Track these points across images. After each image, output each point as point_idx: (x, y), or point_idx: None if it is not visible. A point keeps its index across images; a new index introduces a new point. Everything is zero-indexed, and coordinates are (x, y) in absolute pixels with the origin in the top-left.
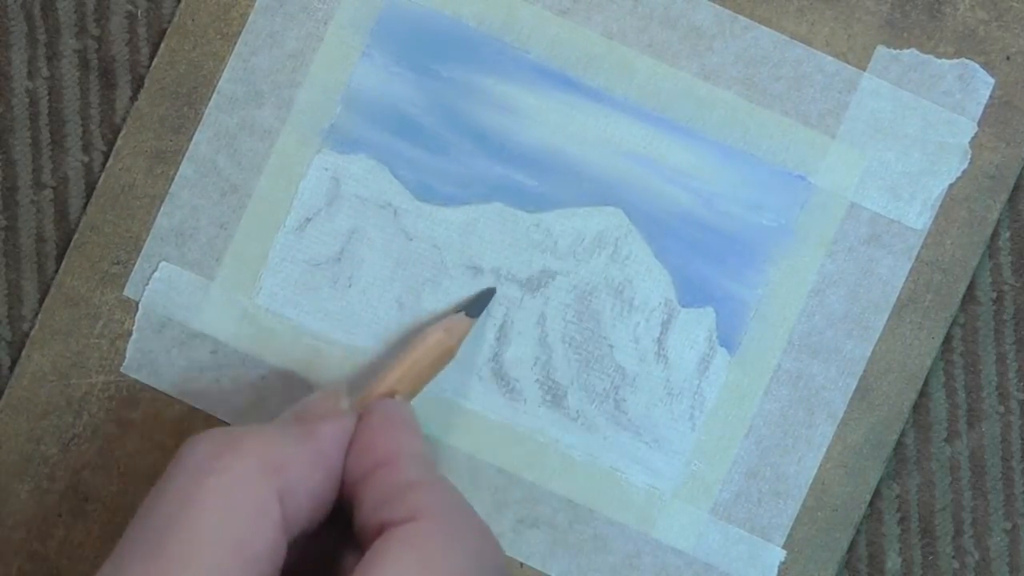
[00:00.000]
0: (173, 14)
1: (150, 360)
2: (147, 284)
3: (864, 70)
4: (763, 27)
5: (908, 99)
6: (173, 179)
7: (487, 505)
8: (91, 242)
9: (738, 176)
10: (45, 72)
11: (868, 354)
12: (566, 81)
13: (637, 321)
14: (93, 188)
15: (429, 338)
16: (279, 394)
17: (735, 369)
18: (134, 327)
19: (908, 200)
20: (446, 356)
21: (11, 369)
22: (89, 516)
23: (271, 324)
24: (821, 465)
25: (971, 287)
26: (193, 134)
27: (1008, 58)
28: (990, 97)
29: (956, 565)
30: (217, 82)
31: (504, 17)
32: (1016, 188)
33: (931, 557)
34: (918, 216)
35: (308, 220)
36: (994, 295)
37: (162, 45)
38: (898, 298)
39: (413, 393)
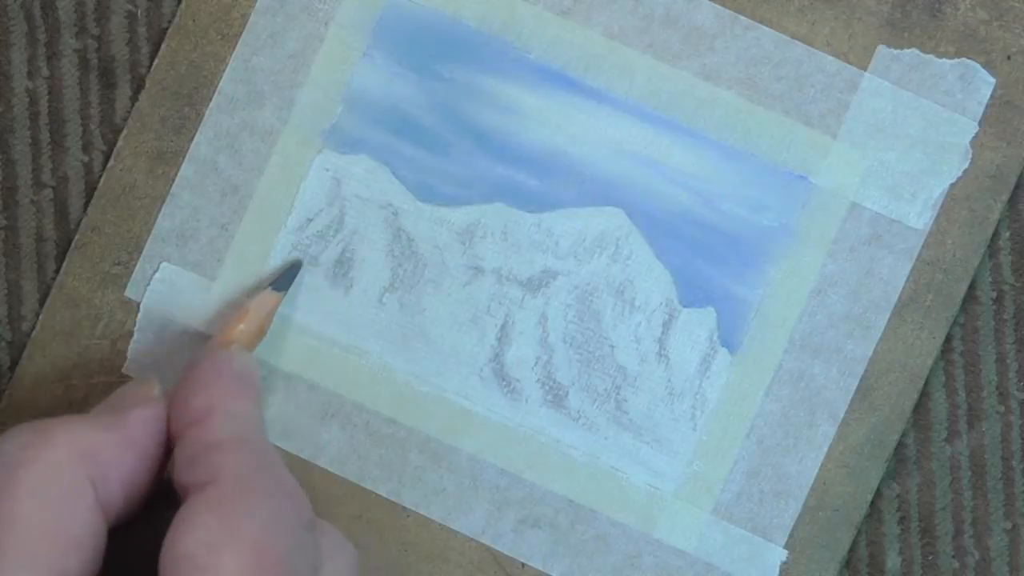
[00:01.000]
0: (173, 14)
1: (152, 361)
2: (148, 285)
3: (865, 70)
4: (764, 27)
5: (909, 99)
6: (174, 180)
7: (488, 505)
8: (92, 243)
9: (739, 176)
10: (45, 72)
11: (869, 354)
12: (567, 81)
13: (638, 321)
14: (93, 188)
15: (237, 317)
16: (280, 394)
17: (736, 369)
18: (135, 328)
19: (909, 200)
20: (257, 334)
21: (11, 369)
22: None
23: (272, 324)
24: (822, 465)
25: (971, 287)
26: (194, 135)
27: (1009, 58)
28: (991, 97)
29: (956, 565)
30: (218, 83)
31: (505, 17)
32: (1017, 188)
33: (931, 557)
34: (919, 216)
35: (309, 221)
36: (994, 295)
37: (163, 46)
38: (899, 298)
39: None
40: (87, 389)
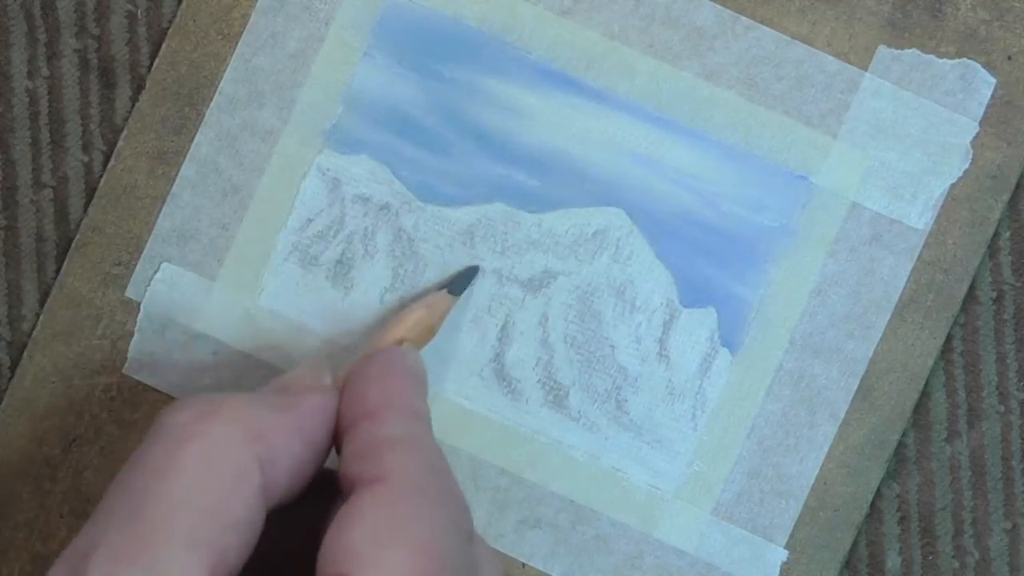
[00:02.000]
0: (173, 14)
1: (152, 361)
2: (149, 285)
3: (866, 70)
4: (764, 27)
5: (909, 99)
6: (175, 180)
7: (489, 506)
8: (92, 243)
9: (740, 176)
10: (45, 72)
11: (870, 354)
12: (568, 81)
13: (639, 321)
14: (93, 188)
15: (410, 316)
16: None
17: (737, 369)
18: (136, 328)
19: (910, 200)
20: (427, 335)
21: (11, 369)
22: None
23: (273, 325)
24: (823, 465)
25: (971, 287)
26: (195, 135)
27: (1009, 58)
28: (991, 97)
29: (956, 565)
30: (218, 83)
31: (506, 17)
32: (1017, 187)
33: (931, 557)
34: (920, 216)
35: (310, 221)
36: (994, 295)
37: (163, 46)
38: (900, 298)
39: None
40: (88, 389)
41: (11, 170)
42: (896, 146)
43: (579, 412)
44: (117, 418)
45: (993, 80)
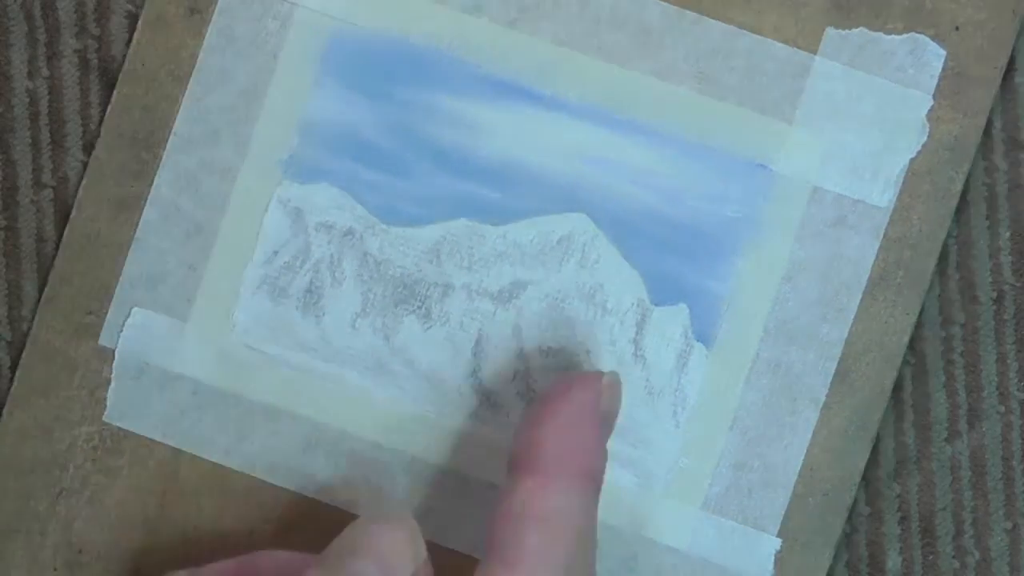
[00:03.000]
0: (123, 57)
1: (131, 407)
2: (121, 331)
3: (815, 53)
4: (711, 20)
5: (861, 78)
6: (138, 225)
7: (479, 520)
8: (62, 295)
9: (699, 170)
10: (45, 72)
11: (845, 336)
12: (520, 91)
13: (611, 324)
14: None
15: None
16: (263, 428)
17: (714, 363)
18: (112, 375)
19: (871, 179)
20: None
21: (11, 369)
22: (85, 567)
23: (249, 359)
24: (808, 451)
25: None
26: (154, 178)
27: (957, 28)
28: (943, 69)
29: (957, 565)
30: (173, 124)
31: (453, 33)
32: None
33: (931, 557)
34: (882, 194)
35: (275, 253)
36: (994, 295)
37: (114, 92)
38: (869, 277)
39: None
40: (70, 440)
41: (11, 170)
42: (852, 126)
43: None
44: (102, 466)
45: (943, 52)
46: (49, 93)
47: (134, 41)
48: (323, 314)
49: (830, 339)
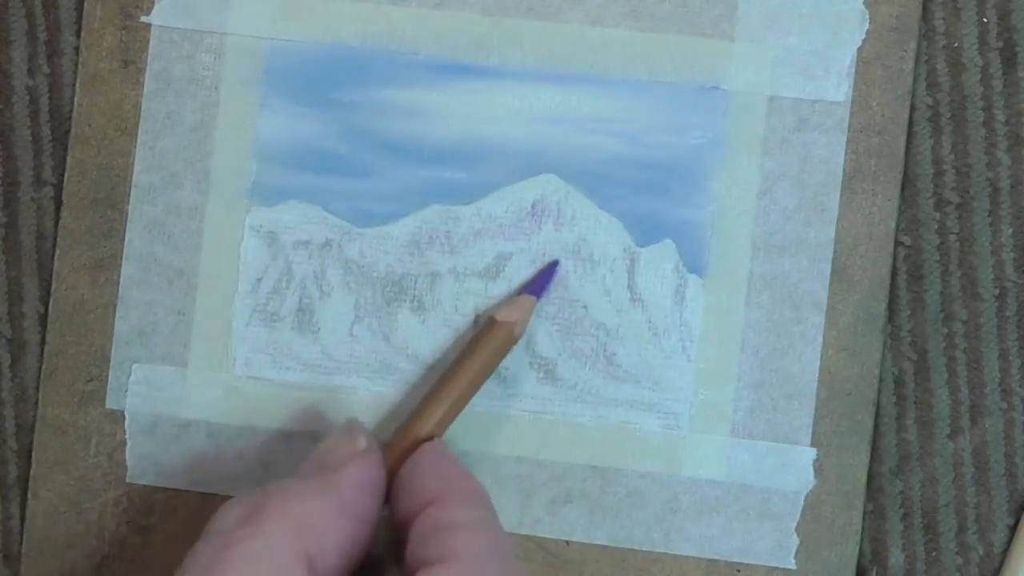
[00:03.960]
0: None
1: (151, 462)
2: (126, 391)
3: None
4: None
5: None
6: (119, 283)
7: (516, 496)
8: (60, 368)
9: (654, 107)
10: (46, 69)
11: (833, 235)
12: (462, 69)
13: (602, 274)
14: None
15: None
16: (284, 454)
17: (710, 290)
18: (126, 436)
19: (823, 77)
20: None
21: (11, 367)
22: None
23: (256, 390)
24: (822, 356)
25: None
26: (124, 234)
27: None
28: None
29: (960, 561)
30: (131, 177)
31: (383, 27)
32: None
33: (935, 553)
34: (837, 88)
35: (259, 280)
36: (996, 292)
37: (68, 158)
38: (844, 172)
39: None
40: (99, 508)
41: (11, 167)
42: (794, 29)
43: (573, 380)
44: (136, 527)
45: None
46: (49, 91)
47: (76, 104)
48: (319, 329)
49: (819, 241)
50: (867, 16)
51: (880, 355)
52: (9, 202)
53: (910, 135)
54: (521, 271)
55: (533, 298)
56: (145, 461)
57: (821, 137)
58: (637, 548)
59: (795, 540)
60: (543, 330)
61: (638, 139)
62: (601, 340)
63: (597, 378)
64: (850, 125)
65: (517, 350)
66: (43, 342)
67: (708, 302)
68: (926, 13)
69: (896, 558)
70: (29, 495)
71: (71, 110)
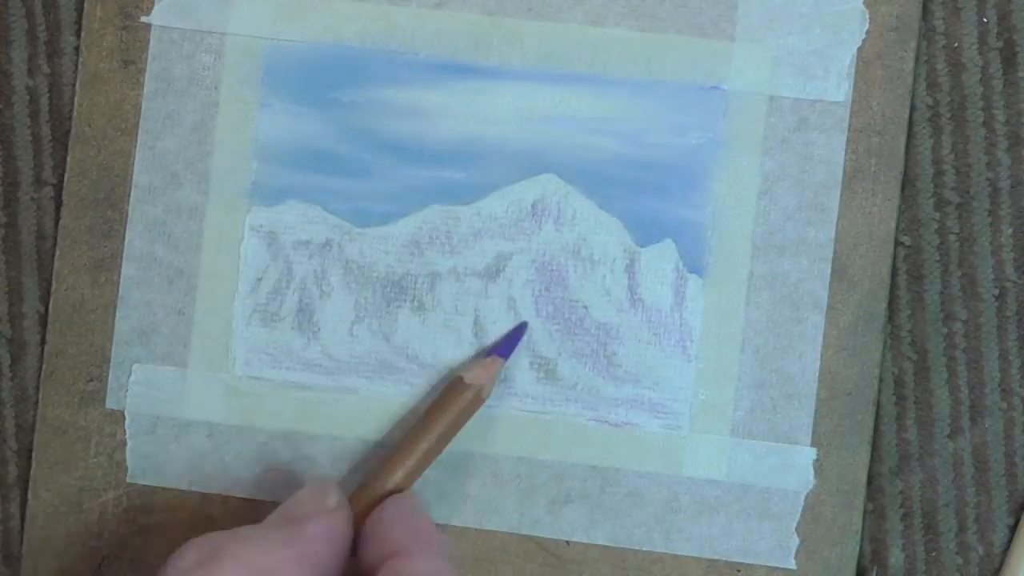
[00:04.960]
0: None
1: (152, 462)
2: (126, 391)
3: None
4: None
5: None
6: (119, 283)
7: (517, 496)
8: (60, 368)
9: (654, 106)
10: (46, 69)
11: (833, 235)
12: (462, 69)
13: (603, 274)
14: None
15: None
16: (285, 455)
17: (710, 290)
18: (127, 436)
19: (823, 76)
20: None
21: (11, 367)
22: None
23: (256, 390)
24: (822, 355)
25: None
26: (124, 234)
27: None
28: None
29: (960, 561)
30: (131, 177)
31: (383, 27)
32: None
33: (935, 553)
34: (837, 88)
35: (259, 280)
36: (996, 292)
37: (68, 158)
38: (844, 172)
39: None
40: (100, 508)
41: (11, 167)
42: (794, 29)
43: (573, 379)
44: (136, 527)
45: None
46: (49, 91)
47: (76, 104)
48: (319, 329)
49: (819, 241)
50: (867, 16)
51: (880, 355)
52: (9, 202)
53: (910, 135)
54: (522, 271)
55: (502, 360)
56: (145, 461)
57: (821, 137)
58: (637, 548)
59: (795, 540)
60: (543, 330)
61: (638, 139)
62: (601, 340)
63: (598, 378)
64: (850, 125)
65: (518, 350)
66: (43, 342)
67: (708, 302)
68: (926, 13)
69: (896, 558)
70: (29, 495)
71: (71, 110)
